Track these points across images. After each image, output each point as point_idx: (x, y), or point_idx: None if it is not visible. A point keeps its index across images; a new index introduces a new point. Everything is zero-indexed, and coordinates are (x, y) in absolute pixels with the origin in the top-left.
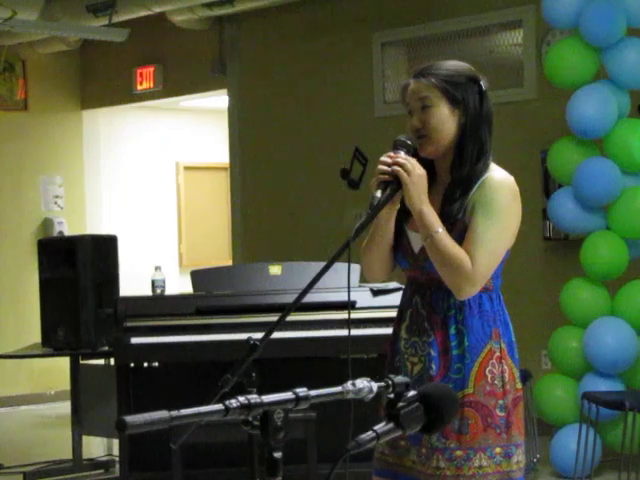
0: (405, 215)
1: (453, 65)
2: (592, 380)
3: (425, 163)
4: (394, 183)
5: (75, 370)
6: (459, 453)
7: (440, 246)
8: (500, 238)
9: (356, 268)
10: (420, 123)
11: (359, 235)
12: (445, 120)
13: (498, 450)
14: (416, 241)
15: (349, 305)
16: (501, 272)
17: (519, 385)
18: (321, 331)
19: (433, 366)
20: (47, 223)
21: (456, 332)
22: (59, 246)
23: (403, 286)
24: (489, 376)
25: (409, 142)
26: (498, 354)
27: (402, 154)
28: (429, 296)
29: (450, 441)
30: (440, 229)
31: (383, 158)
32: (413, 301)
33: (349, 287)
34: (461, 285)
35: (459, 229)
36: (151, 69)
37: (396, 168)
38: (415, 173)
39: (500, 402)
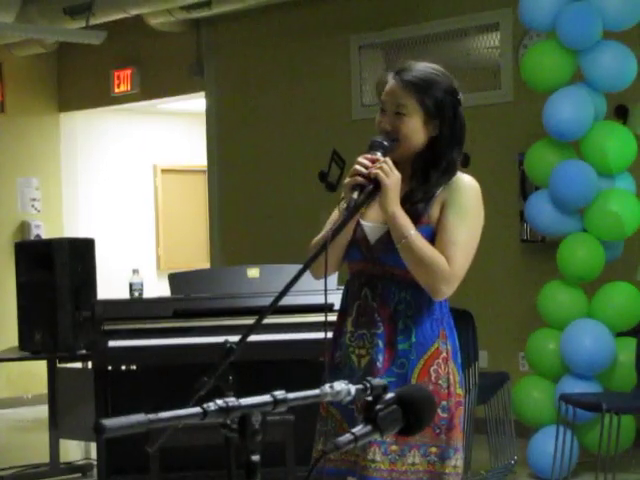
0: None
1: (434, 73)
2: (569, 382)
3: None
4: (370, 185)
5: (52, 373)
6: (394, 448)
7: (415, 248)
8: (472, 239)
9: None
10: (391, 127)
11: (335, 238)
12: (416, 131)
13: (434, 450)
14: (372, 233)
15: (326, 308)
16: None
17: (459, 390)
18: (298, 334)
19: (380, 358)
20: (24, 226)
21: (404, 327)
22: (36, 249)
23: None
24: (433, 375)
25: (385, 143)
26: (444, 355)
27: (379, 155)
28: (380, 288)
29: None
30: (412, 231)
31: (360, 159)
32: (362, 293)
33: (325, 289)
34: (439, 286)
35: (425, 229)
36: (128, 72)
37: (376, 170)
38: (393, 175)
39: (443, 403)
